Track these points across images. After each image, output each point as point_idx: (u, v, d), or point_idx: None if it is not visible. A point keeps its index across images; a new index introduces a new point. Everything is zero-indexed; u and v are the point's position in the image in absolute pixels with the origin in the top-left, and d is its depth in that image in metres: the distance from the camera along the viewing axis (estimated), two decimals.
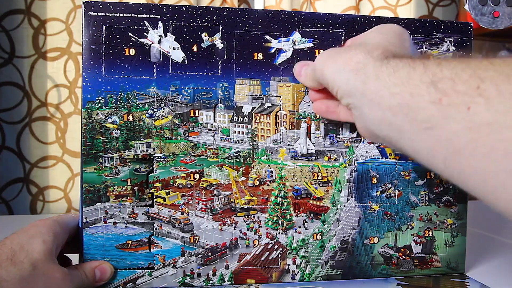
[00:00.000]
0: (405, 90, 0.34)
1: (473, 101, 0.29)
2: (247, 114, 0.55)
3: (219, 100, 0.54)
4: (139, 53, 0.52)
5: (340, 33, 0.55)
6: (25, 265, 0.42)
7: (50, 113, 1.08)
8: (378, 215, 0.58)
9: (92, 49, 0.50)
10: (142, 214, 0.53)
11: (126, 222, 0.53)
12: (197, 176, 0.54)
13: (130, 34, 0.51)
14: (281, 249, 0.56)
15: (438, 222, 0.60)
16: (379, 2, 1.27)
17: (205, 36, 0.53)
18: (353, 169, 0.57)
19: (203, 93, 0.54)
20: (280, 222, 0.56)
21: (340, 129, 0.57)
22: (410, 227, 0.59)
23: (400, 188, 0.58)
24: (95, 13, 0.50)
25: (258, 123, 0.56)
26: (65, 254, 0.52)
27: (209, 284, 0.54)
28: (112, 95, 0.51)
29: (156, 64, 0.52)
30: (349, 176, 0.57)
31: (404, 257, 0.59)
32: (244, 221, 0.56)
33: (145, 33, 0.51)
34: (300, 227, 0.57)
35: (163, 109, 0.53)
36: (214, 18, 0.53)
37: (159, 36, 0.52)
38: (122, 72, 0.51)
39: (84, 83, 0.51)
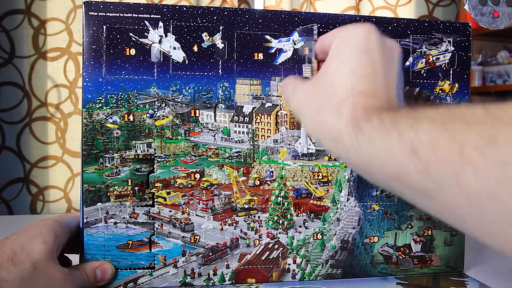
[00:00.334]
0: (389, 163, 0.32)
1: (461, 170, 0.27)
2: (247, 114, 0.56)
3: (220, 100, 0.54)
4: (140, 53, 0.52)
5: None
6: (25, 265, 0.42)
7: (50, 113, 1.08)
8: (378, 215, 0.58)
9: (93, 49, 0.50)
10: (143, 214, 0.53)
11: (126, 222, 0.53)
12: (197, 176, 0.54)
13: (130, 34, 0.51)
14: (281, 248, 0.56)
15: (437, 221, 0.60)
16: (379, 2, 1.26)
17: (205, 36, 0.53)
18: None
19: (203, 93, 0.54)
20: (280, 221, 0.56)
21: None
22: (409, 226, 0.59)
23: None
24: (96, 13, 0.50)
25: (258, 123, 0.56)
26: (65, 254, 0.52)
27: (209, 284, 0.54)
28: (113, 95, 0.51)
29: (157, 64, 0.52)
30: (349, 175, 0.58)
31: (403, 256, 0.59)
32: (244, 220, 0.56)
33: (145, 33, 0.51)
34: (300, 226, 0.57)
35: (164, 109, 0.53)
36: (215, 18, 0.53)
37: (159, 36, 0.52)
38: (123, 72, 0.51)
39: (85, 83, 0.51)
